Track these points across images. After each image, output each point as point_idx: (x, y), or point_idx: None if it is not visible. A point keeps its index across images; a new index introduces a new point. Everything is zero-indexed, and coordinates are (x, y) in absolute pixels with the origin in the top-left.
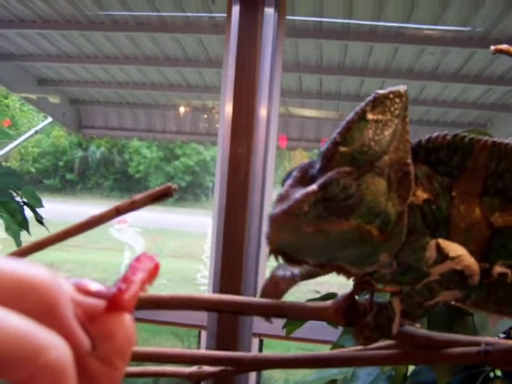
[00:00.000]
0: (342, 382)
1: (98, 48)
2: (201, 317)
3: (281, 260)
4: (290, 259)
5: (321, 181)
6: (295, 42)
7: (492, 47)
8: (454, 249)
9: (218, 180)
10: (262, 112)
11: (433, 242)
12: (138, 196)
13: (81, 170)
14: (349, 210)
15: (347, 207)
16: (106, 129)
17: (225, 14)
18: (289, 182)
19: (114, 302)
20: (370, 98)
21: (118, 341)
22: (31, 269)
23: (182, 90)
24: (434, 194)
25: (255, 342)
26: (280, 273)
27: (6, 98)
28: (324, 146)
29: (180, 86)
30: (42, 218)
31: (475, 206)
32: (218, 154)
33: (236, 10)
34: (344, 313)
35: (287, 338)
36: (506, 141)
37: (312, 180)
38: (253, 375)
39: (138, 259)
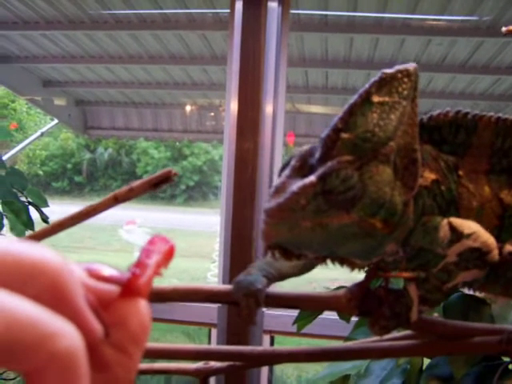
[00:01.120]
0: (356, 377)
1: (101, 48)
2: (211, 315)
3: (278, 255)
4: (288, 254)
5: (320, 172)
6: (300, 36)
7: (503, 28)
8: (468, 226)
9: (224, 178)
10: (268, 108)
11: (445, 222)
12: (135, 183)
13: (89, 172)
14: (350, 203)
15: (348, 199)
16: (112, 129)
17: (228, 10)
18: (286, 171)
19: (128, 288)
20: (375, 79)
21: (133, 327)
22: (39, 251)
23: (187, 88)
24: (442, 175)
25: (266, 339)
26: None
27: (13, 101)
28: (324, 132)
29: (185, 84)
30: (47, 217)
31: (484, 184)
32: (224, 152)
33: (239, 4)
34: (357, 302)
35: (298, 334)
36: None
37: (311, 170)
38: (265, 372)
39: (151, 242)
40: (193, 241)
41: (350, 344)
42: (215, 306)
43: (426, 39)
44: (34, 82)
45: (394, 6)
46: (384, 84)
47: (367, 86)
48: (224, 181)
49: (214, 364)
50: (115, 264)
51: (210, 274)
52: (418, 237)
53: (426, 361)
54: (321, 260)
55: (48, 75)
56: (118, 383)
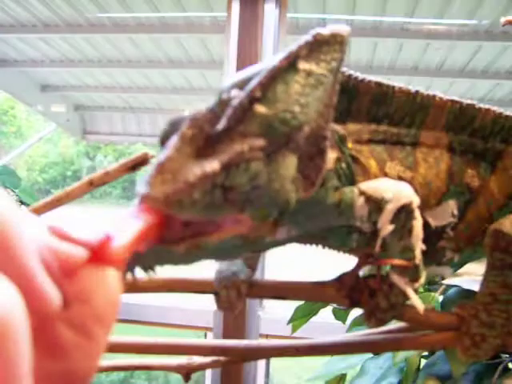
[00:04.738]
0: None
1: (99, 51)
2: (207, 318)
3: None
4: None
5: (225, 158)
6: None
7: (502, 18)
8: (384, 188)
9: None
10: None
11: (356, 193)
12: (111, 167)
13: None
14: (248, 201)
15: (249, 199)
16: (110, 134)
17: (226, 13)
18: (174, 141)
19: (97, 253)
20: (307, 38)
21: (98, 302)
22: None
23: (185, 92)
24: (338, 150)
25: None
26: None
27: (12, 108)
28: (234, 96)
29: (183, 88)
30: (39, 216)
31: (369, 157)
32: None
33: (236, 6)
34: (347, 292)
35: (295, 337)
36: (396, 83)
37: (210, 143)
38: (261, 380)
39: (141, 208)
40: None
41: (339, 338)
42: (211, 309)
43: (424, 43)
44: (32, 86)
45: (392, 9)
46: (315, 48)
47: (297, 46)
48: None
49: (196, 359)
50: None
51: None
52: (336, 217)
53: (424, 360)
54: None
55: (46, 79)
56: (77, 372)
